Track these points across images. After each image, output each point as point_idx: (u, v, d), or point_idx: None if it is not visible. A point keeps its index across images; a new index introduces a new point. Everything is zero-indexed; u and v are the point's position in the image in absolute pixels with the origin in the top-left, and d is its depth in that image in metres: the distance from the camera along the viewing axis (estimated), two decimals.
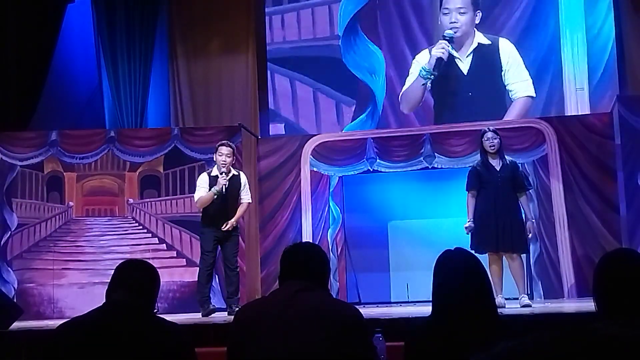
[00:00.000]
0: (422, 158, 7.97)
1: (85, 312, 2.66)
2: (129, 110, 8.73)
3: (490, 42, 8.27)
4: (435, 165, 7.98)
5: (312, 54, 8.77)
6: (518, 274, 6.20)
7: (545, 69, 8.16)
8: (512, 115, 8.11)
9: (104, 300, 2.68)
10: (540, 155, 7.70)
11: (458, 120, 8.09)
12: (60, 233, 7.83)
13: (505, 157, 6.36)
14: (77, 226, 7.86)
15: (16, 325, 5.93)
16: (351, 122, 8.58)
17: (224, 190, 6.54)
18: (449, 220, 7.86)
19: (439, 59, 8.07)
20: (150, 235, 7.89)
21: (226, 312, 6.51)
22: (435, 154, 7.94)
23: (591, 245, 7.41)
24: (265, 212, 8.34)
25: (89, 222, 7.89)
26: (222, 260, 6.71)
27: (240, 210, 6.70)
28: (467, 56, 8.27)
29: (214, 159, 6.69)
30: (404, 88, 8.39)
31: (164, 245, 7.86)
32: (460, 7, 8.30)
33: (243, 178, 6.77)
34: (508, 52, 8.23)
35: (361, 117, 8.56)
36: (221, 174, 6.55)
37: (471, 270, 2.50)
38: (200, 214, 6.74)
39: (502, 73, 8.22)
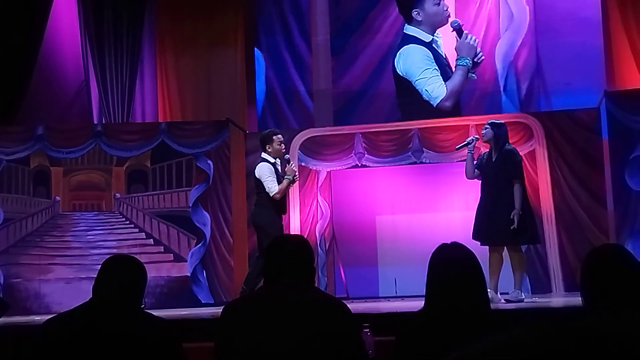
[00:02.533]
0: (410, 153, 7.97)
1: (72, 307, 2.65)
2: (116, 105, 8.67)
3: None
4: (424, 160, 7.98)
5: None
6: (517, 268, 6.10)
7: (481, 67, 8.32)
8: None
9: (91, 296, 2.67)
10: (527, 150, 7.70)
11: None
12: (46, 228, 7.79)
13: (505, 148, 6.20)
14: (64, 221, 7.82)
15: (2, 320, 5.90)
16: None
17: (296, 177, 6.53)
18: (437, 215, 7.86)
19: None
20: (137, 230, 7.85)
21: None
22: (424, 148, 7.93)
23: (579, 240, 7.43)
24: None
25: (75, 217, 7.85)
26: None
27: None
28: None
29: (267, 149, 6.46)
30: (449, 84, 8.28)
31: (151, 240, 7.82)
32: None
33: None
34: None
35: None
36: (288, 162, 6.51)
37: (466, 265, 2.50)
38: (262, 207, 6.43)
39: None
